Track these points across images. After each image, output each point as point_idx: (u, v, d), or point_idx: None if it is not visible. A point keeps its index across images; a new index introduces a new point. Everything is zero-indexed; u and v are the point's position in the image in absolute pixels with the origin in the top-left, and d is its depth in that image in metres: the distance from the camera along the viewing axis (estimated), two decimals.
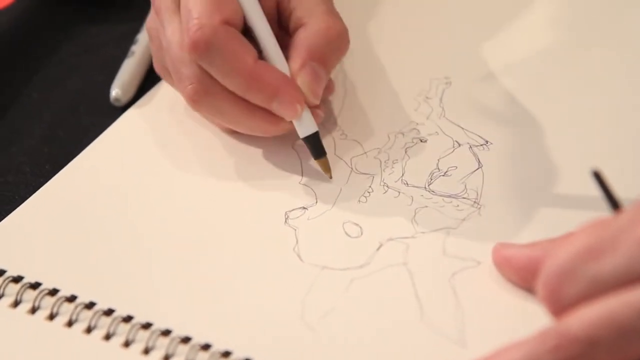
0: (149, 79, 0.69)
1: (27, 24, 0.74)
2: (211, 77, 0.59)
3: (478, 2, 0.72)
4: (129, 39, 0.71)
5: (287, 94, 0.58)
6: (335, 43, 0.60)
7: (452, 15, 0.71)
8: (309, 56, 0.59)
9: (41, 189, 0.62)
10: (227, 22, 0.58)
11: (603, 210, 0.49)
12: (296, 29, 0.61)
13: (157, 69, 0.65)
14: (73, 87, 0.70)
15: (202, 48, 0.57)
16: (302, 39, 0.60)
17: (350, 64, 0.68)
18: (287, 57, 0.60)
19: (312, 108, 0.60)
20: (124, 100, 0.68)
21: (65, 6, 0.76)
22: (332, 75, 0.66)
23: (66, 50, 0.73)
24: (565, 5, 0.71)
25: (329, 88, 0.64)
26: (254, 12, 0.60)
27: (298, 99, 0.59)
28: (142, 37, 0.71)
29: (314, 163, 0.61)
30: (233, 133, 0.64)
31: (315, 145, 0.61)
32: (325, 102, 0.64)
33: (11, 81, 0.71)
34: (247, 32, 0.60)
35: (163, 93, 0.68)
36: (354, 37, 0.68)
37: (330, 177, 0.61)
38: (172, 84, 0.64)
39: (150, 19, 0.64)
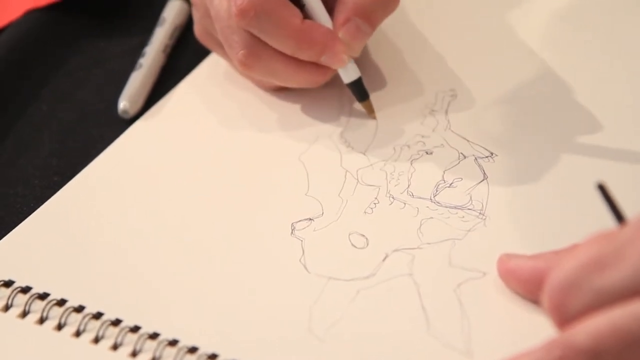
0: (157, 92, 0.70)
1: (36, 37, 0.74)
2: (260, 41, 0.62)
3: (484, 15, 0.72)
4: (137, 51, 0.72)
5: (333, 47, 0.62)
6: (381, 1, 0.63)
7: (457, 28, 0.72)
8: (354, 12, 0.62)
9: (49, 200, 0.62)
10: None
11: (608, 222, 0.49)
12: None
13: (199, 35, 0.68)
14: (81, 99, 0.71)
15: (251, 15, 0.61)
16: None
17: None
18: (334, 11, 0.63)
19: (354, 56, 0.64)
20: (132, 112, 0.68)
21: (73, 19, 0.76)
22: (338, 88, 0.67)
23: (75, 63, 0.73)
24: (571, 19, 0.71)
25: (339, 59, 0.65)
26: None
27: (344, 50, 0.63)
28: (150, 50, 0.71)
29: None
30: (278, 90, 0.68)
31: (359, 89, 0.65)
32: None
33: (20, 94, 0.71)
34: None
35: (170, 105, 0.69)
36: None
37: (375, 118, 0.65)
38: (215, 49, 0.68)
39: None
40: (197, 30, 0.68)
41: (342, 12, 0.63)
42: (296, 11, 0.62)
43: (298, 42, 0.62)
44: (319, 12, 0.63)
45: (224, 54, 0.67)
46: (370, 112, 0.65)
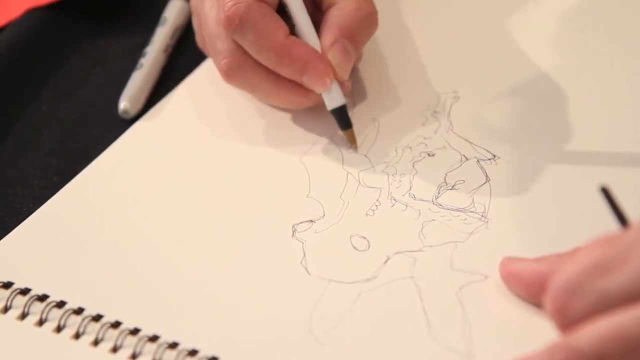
0: (157, 92, 0.70)
1: (36, 36, 0.74)
2: (244, 52, 0.62)
3: (487, 17, 0.72)
4: (138, 51, 0.71)
5: (316, 67, 0.62)
6: (365, 22, 0.63)
7: (460, 29, 0.71)
8: (341, 33, 0.62)
9: (48, 201, 0.62)
10: None
11: (611, 225, 0.48)
12: (329, 7, 0.63)
13: (199, 43, 0.68)
14: (82, 99, 0.70)
15: (236, 23, 0.61)
16: (334, 17, 0.63)
17: (358, 78, 0.68)
18: (319, 34, 0.63)
19: (340, 81, 0.63)
20: (133, 112, 0.68)
21: (74, 19, 0.76)
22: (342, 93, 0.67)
23: (75, 63, 0.73)
24: (574, 20, 0.71)
25: (344, 85, 0.65)
26: None
27: (327, 72, 0.62)
28: (151, 50, 0.71)
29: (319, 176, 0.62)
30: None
31: (342, 117, 0.63)
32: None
33: (20, 93, 0.71)
34: (281, 8, 0.63)
35: (171, 106, 0.68)
36: (363, 51, 0.69)
37: (356, 148, 0.64)
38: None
39: None
40: (197, 38, 0.68)
41: (328, 33, 0.62)
42: (282, 25, 0.62)
43: (279, 56, 0.61)
44: (307, 32, 0.63)
45: None
46: (352, 143, 0.63)
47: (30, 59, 0.73)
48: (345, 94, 0.64)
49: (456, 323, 0.53)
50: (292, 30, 0.63)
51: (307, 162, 0.63)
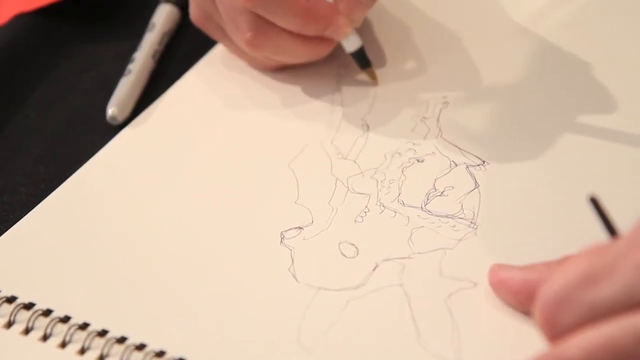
0: (146, 98, 0.69)
1: (25, 41, 0.74)
2: (267, 21, 0.65)
3: (476, 23, 0.72)
4: (127, 56, 0.71)
5: (336, 21, 0.65)
6: None
7: (449, 35, 0.71)
8: None
9: (35, 208, 0.62)
10: None
11: (601, 233, 0.48)
12: None
13: (197, 19, 0.69)
14: (70, 105, 0.70)
15: None
16: None
17: (348, 84, 0.68)
18: None
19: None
20: (121, 119, 0.67)
21: (62, 24, 0.75)
22: (330, 96, 0.67)
23: (63, 69, 0.73)
24: (563, 26, 0.71)
25: (341, 30, 0.67)
26: None
27: (347, 23, 0.66)
28: (139, 56, 0.71)
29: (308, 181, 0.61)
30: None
31: (361, 57, 0.67)
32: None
33: (8, 99, 0.70)
34: None
35: (159, 112, 0.68)
36: (351, 57, 0.69)
37: (376, 84, 0.68)
38: (213, 33, 0.69)
39: None
40: (195, 13, 0.69)
41: None
42: None
43: (304, 20, 0.64)
44: None
45: (224, 37, 0.68)
46: (373, 78, 0.68)
47: (18, 64, 0.73)
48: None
49: (445, 330, 0.53)
50: None
51: (296, 168, 0.63)
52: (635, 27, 0.70)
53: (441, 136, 0.64)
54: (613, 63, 0.67)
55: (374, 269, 0.56)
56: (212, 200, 0.61)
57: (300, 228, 0.59)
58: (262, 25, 0.65)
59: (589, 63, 0.67)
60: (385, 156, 0.63)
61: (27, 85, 0.71)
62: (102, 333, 0.54)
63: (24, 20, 0.75)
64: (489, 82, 0.67)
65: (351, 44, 0.67)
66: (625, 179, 0.59)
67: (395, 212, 0.59)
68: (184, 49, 0.69)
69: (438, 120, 0.65)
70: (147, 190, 0.63)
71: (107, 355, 0.53)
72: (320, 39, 0.66)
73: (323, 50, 0.67)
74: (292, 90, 0.68)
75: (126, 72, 0.70)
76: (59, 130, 0.68)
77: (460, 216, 0.59)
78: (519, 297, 0.52)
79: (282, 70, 0.69)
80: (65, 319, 0.55)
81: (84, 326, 0.55)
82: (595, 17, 0.71)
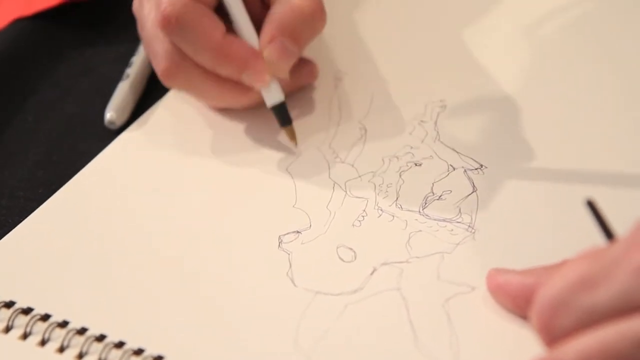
0: (144, 102, 0.69)
1: (23, 46, 0.74)
2: (182, 53, 0.61)
3: (474, 26, 0.72)
4: (125, 60, 0.71)
5: (255, 65, 0.61)
6: (308, 20, 0.62)
7: (448, 38, 0.71)
8: (279, 31, 0.61)
9: (33, 213, 0.62)
10: None
11: (598, 236, 0.48)
12: (272, 4, 0.63)
13: (144, 47, 0.66)
14: (68, 110, 0.70)
15: (172, 24, 0.60)
16: (275, 14, 0.62)
17: (345, 88, 0.68)
18: (261, 30, 0.62)
19: (282, 77, 0.63)
20: (119, 123, 0.67)
21: (60, 29, 0.75)
22: (327, 99, 0.67)
23: (61, 73, 0.73)
24: (564, 31, 0.71)
25: (312, 74, 0.66)
26: None
27: (265, 69, 0.61)
28: (137, 60, 0.71)
29: (302, 185, 0.61)
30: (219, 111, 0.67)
31: (281, 113, 0.63)
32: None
33: (5, 104, 0.70)
34: (220, 7, 0.63)
35: (157, 116, 0.68)
36: (349, 60, 0.69)
37: (296, 145, 0.64)
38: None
39: (135, 2, 0.66)
40: (142, 41, 0.67)
41: (268, 30, 0.62)
42: (219, 25, 0.61)
43: (217, 56, 0.61)
44: (245, 29, 0.62)
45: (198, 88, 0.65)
46: (292, 139, 0.63)
47: (16, 69, 0.73)
48: (287, 91, 0.63)
49: (443, 335, 0.53)
50: (231, 28, 0.62)
51: (294, 172, 0.63)
52: (637, 32, 0.70)
53: (439, 140, 0.64)
54: (613, 68, 0.67)
55: (371, 273, 0.56)
56: (210, 204, 0.61)
57: (298, 232, 0.59)
58: (176, 57, 0.62)
59: (588, 67, 0.67)
60: (383, 160, 0.63)
61: (25, 89, 0.71)
62: (100, 338, 0.54)
63: (22, 24, 0.75)
64: (487, 86, 0.67)
65: (271, 96, 0.63)
66: (623, 182, 0.59)
67: (393, 216, 0.59)
68: None
69: (436, 123, 0.65)
70: (145, 195, 0.62)
71: None
72: (237, 85, 0.62)
73: (241, 98, 0.64)
74: (289, 93, 0.68)
75: (124, 76, 0.70)
76: (57, 135, 0.68)
77: (458, 220, 0.59)
78: (517, 301, 0.52)
79: None
80: (64, 324, 0.55)
81: (82, 331, 0.55)
82: (596, 23, 0.71)
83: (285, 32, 0.61)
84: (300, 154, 0.64)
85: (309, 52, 0.68)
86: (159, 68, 0.62)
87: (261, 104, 0.64)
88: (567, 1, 0.72)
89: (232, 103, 0.64)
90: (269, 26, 0.62)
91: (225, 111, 0.67)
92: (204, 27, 0.60)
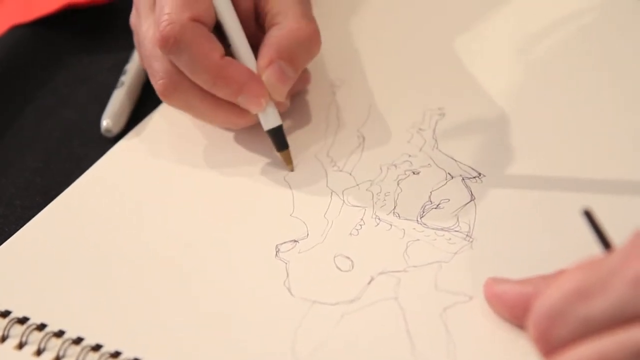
0: (140, 109, 0.69)
1: (21, 53, 0.74)
2: (180, 72, 0.61)
3: (473, 34, 0.72)
4: (122, 68, 0.71)
5: (251, 89, 0.61)
6: (305, 44, 0.62)
7: (446, 46, 0.71)
8: (277, 55, 0.62)
9: (30, 221, 0.62)
10: (196, 19, 0.61)
11: (596, 246, 0.48)
12: (270, 27, 0.63)
13: (141, 63, 0.67)
14: (66, 117, 0.70)
15: (171, 44, 0.60)
16: (273, 38, 0.62)
17: (343, 95, 0.68)
18: (257, 54, 0.62)
19: (277, 102, 0.63)
20: (115, 131, 0.67)
21: (58, 35, 0.75)
22: (325, 107, 0.67)
23: (59, 80, 0.72)
24: (563, 38, 0.71)
25: (305, 79, 0.66)
26: (224, 9, 0.63)
27: (262, 93, 0.62)
28: (131, 67, 0.70)
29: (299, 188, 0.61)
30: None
31: (278, 138, 0.63)
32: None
33: (3, 111, 0.70)
34: (219, 28, 0.62)
35: (154, 124, 0.68)
36: (347, 68, 0.69)
37: (292, 170, 0.63)
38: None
39: (132, 16, 0.66)
40: (139, 59, 0.68)
41: (265, 54, 0.62)
42: (218, 46, 0.61)
43: (214, 77, 0.61)
44: (244, 52, 0.62)
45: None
46: (289, 164, 0.63)
47: (14, 76, 0.72)
48: (282, 113, 0.64)
49: (440, 345, 0.52)
50: (229, 50, 0.62)
51: (291, 181, 0.63)
52: (636, 40, 0.70)
53: (437, 148, 0.63)
54: (614, 76, 0.67)
55: (369, 283, 0.56)
56: (207, 213, 0.61)
57: (295, 241, 0.59)
58: (174, 75, 0.62)
59: (588, 75, 0.67)
60: (381, 168, 0.63)
61: (22, 96, 0.71)
62: (96, 347, 0.54)
63: (20, 31, 0.75)
64: (486, 94, 0.67)
65: (268, 120, 0.63)
66: (621, 190, 0.59)
67: (391, 225, 0.59)
68: None
69: (434, 132, 0.65)
70: (142, 204, 0.62)
71: None
72: (234, 107, 0.62)
73: (237, 120, 0.63)
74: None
75: (119, 84, 0.69)
76: (54, 143, 0.68)
77: (456, 229, 0.58)
78: (515, 311, 0.51)
79: None
80: (60, 334, 0.55)
81: (78, 341, 0.54)
82: (596, 30, 0.71)
83: (282, 55, 0.61)
84: (297, 163, 0.64)
85: None
86: (157, 86, 0.62)
87: (257, 125, 0.63)
88: (567, 9, 0.72)
89: (229, 124, 0.64)
90: (266, 49, 0.62)
91: None
92: (202, 48, 0.60)
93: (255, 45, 0.63)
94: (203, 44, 0.60)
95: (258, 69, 0.62)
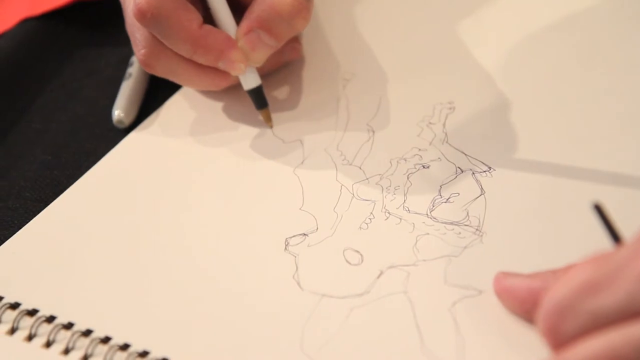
0: (149, 100, 0.69)
1: (28, 48, 0.74)
2: (160, 41, 0.63)
3: (483, 28, 0.71)
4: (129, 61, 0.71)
5: (229, 55, 0.63)
6: (287, 17, 0.63)
7: (457, 41, 0.71)
8: (257, 24, 0.63)
9: (40, 214, 0.62)
10: None
11: (606, 240, 0.48)
12: None
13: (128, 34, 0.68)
14: (75, 110, 0.70)
15: (148, 17, 0.61)
16: (254, 9, 0.63)
17: (353, 89, 0.68)
18: (241, 21, 0.64)
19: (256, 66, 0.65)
20: (127, 122, 0.67)
21: (67, 29, 0.75)
22: (335, 101, 0.66)
23: (67, 74, 0.73)
24: (571, 29, 0.70)
25: (295, 50, 0.68)
26: None
27: (241, 58, 0.63)
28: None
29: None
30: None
31: (258, 97, 0.65)
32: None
33: (13, 105, 0.70)
34: None
35: (165, 116, 0.68)
36: (357, 62, 0.69)
37: (271, 127, 0.66)
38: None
39: None
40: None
41: (246, 22, 0.63)
42: (195, 15, 0.62)
43: (194, 47, 0.62)
44: (223, 17, 0.64)
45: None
46: (268, 121, 0.66)
47: (22, 70, 0.73)
48: (270, 68, 0.66)
49: (449, 339, 0.52)
50: (209, 14, 0.64)
51: (301, 174, 0.63)
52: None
53: (447, 142, 0.63)
54: (628, 70, 0.66)
55: (378, 277, 0.56)
56: (217, 206, 0.61)
57: (304, 235, 0.59)
58: (155, 45, 0.63)
59: (600, 69, 0.67)
60: (390, 162, 0.63)
61: (31, 89, 0.71)
62: (105, 340, 0.54)
63: (29, 25, 0.75)
64: (496, 88, 0.66)
65: (247, 81, 0.65)
66: (633, 184, 0.59)
67: (401, 218, 0.59)
68: None
69: (444, 125, 0.64)
70: (151, 197, 0.62)
71: None
72: (215, 70, 0.64)
73: (219, 82, 0.66)
74: (297, 95, 0.67)
75: (127, 75, 0.69)
76: (64, 136, 0.68)
77: (466, 223, 0.58)
78: (525, 305, 0.51)
79: (287, 74, 0.69)
80: (69, 326, 0.55)
81: (87, 333, 0.54)
82: (608, 24, 0.70)
83: (262, 24, 0.63)
84: (307, 156, 0.64)
85: (316, 54, 0.68)
86: (139, 56, 0.64)
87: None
88: (579, 1, 0.72)
89: (212, 87, 0.66)
90: (248, 18, 0.63)
91: (232, 114, 0.67)
92: (179, 19, 0.62)
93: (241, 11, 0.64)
94: (180, 15, 0.62)
95: (237, 36, 0.63)
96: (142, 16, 0.61)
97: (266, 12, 0.63)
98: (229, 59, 0.63)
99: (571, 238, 0.56)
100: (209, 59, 0.63)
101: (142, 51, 0.63)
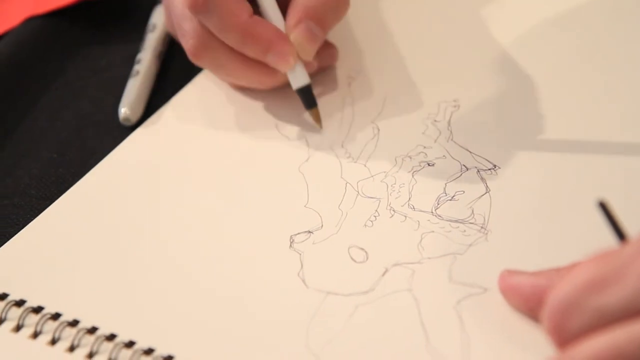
0: (155, 99, 0.69)
1: (34, 46, 0.74)
2: (210, 32, 0.63)
3: (488, 26, 0.71)
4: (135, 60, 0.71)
5: (279, 47, 0.62)
6: (332, 4, 0.64)
7: (462, 38, 0.71)
8: (305, 15, 0.63)
9: (44, 211, 0.62)
10: None
11: (611, 239, 0.48)
12: None
13: (167, 26, 0.69)
14: (80, 108, 0.70)
15: (200, 4, 0.61)
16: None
17: (359, 86, 0.68)
18: (286, 14, 0.64)
19: (305, 61, 0.64)
20: (134, 119, 0.67)
21: (73, 27, 0.75)
22: (341, 99, 0.66)
23: (73, 72, 0.73)
24: (576, 29, 0.70)
25: (332, 55, 0.68)
26: None
27: (291, 52, 0.63)
28: (144, 56, 0.70)
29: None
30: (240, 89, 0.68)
31: (307, 96, 0.64)
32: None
33: (18, 103, 0.70)
34: None
35: (170, 113, 0.68)
36: (362, 59, 0.69)
37: (321, 127, 0.65)
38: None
39: None
40: (166, 20, 0.69)
41: (294, 14, 0.63)
42: (246, 6, 0.62)
43: (243, 36, 0.62)
44: (271, 11, 0.64)
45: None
46: (317, 121, 0.65)
47: (27, 69, 0.73)
48: (308, 72, 0.64)
49: (454, 337, 0.52)
50: (257, 11, 0.64)
51: (306, 172, 0.63)
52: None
53: (452, 140, 0.63)
54: (623, 70, 0.66)
55: (383, 274, 0.56)
56: (222, 203, 0.61)
57: (309, 232, 0.59)
58: (204, 36, 0.63)
59: (608, 66, 0.67)
60: (395, 160, 0.63)
61: (36, 87, 0.71)
62: (111, 337, 0.54)
63: (34, 23, 0.75)
64: (501, 86, 0.66)
65: (297, 79, 0.64)
66: (637, 184, 0.59)
67: (406, 216, 0.59)
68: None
69: (449, 123, 0.64)
70: (156, 194, 0.62)
71: (115, 359, 0.53)
72: (264, 66, 0.64)
73: (266, 79, 0.65)
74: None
75: (133, 73, 0.69)
76: (69, 133, 0.68)
77: (471, 221, 0.58)
78: (530, 303, 0.51)
79: None
80: (74, 323, 0.55)
81: (92, 330, 0.54)
82: (616, 22, 0.70)
83: (310, 15, 0.63)
84: (312, 153, 0.64)
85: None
86: (187, 46, 0.64)
87: (285, 85, 0.65)
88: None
89: (257, 84, 0.66)
90: (294, 10, 0.63)
91: (238, 111, 0.67)
92: (230, 7, 0.62)
93: (283, 8, 0.64)
94: (231, 4, 0.62)
95: (287, 29, 0.63)
96: (194, 4, 0.61)
97: (312, 1, 0.63)
98: (281, 52, 0.62)
99: (576, 236, 0.56)
100: (258, 50, 0.62)
101: (191, 41, 0.63)
